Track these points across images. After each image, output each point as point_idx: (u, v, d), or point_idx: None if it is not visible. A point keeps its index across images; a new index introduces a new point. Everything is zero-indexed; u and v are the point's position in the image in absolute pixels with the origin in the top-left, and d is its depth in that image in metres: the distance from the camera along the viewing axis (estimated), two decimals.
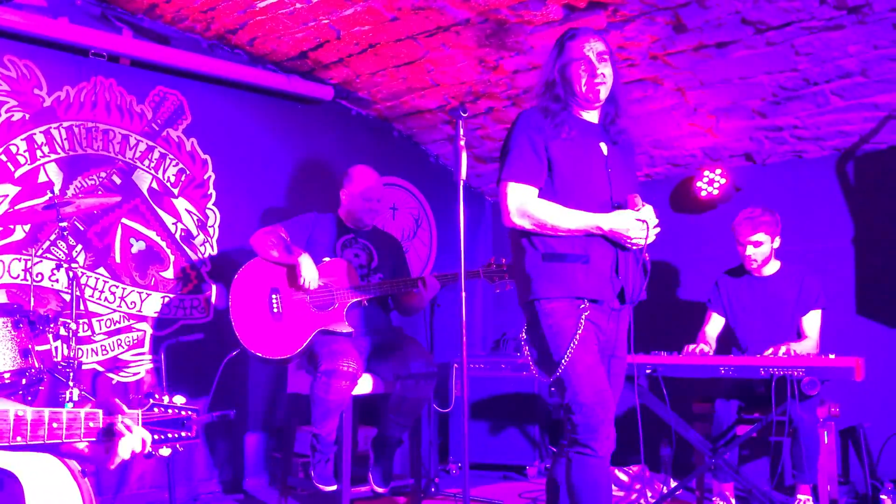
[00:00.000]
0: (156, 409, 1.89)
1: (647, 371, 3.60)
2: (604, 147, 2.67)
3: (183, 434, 1.93)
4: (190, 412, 1.95)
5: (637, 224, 2.54)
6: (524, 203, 2.57)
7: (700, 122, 4.44)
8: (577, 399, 2.47)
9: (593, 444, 2.47)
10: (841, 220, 4.38)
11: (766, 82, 3.99)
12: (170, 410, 1.91)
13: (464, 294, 2.65)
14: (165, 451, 1.91)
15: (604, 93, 2.64)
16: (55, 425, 1.70)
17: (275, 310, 3.73)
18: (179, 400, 1.94)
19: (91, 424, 1.75)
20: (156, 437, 1.88)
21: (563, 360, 2.48)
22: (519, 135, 2.62)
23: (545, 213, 2.55)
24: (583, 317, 2.50)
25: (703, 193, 4.68)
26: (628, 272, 2.60)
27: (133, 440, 1.75)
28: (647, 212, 2.58)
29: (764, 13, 3.49)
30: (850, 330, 4.25)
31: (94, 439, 1.76)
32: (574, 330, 2.49)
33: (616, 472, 4.32)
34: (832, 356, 3.35)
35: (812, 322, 3.88)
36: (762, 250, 3.87)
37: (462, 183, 2.76)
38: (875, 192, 4.29)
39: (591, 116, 2.70)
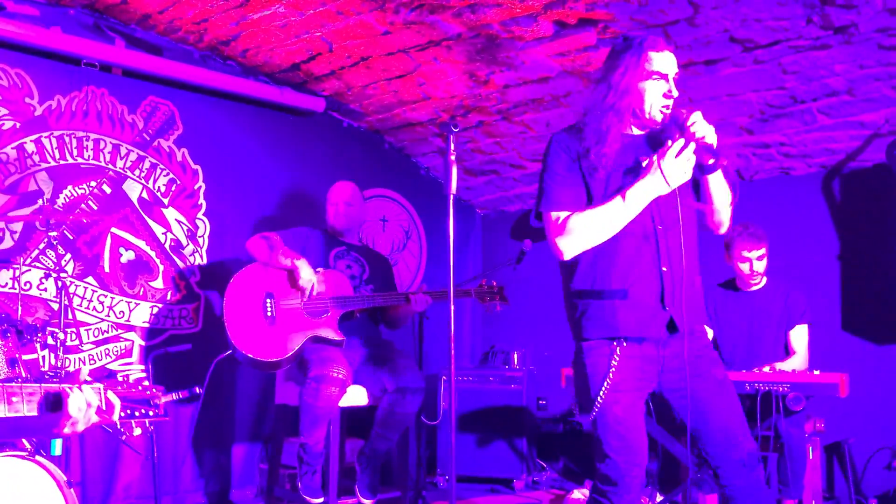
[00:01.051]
0: (119, 388, 1.89)
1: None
2: (646, 164, 2.42)
3: (151, 412, 1.93)
4: (154, 390, 1.96)
5: (681, 154, 2.27)
6: (567, 221, 2.36)
7: None
8: (603, 448, 2.38)
9: (612, 497, 2.38)
10: (827, 236, 4.42)
11: (753, 100, 4.03)
12: (134, 389, 1.92)
13: (452, 307, 2.66)
14: (137, 431, 1.91)
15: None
16: (15, 399, 1.71)
17: (269, 314, 3.74)
18: (144, 383, 1.96)
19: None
20: (124, 412, 1.89)
21: (595, 403, 2.36)
22: (554, 164, 2.43)
23: (589, 220, 2.34)
24: (615, 358, 2.36)
25: None
26: (676, 299, 2.38)
27: (79, 398, 1.75)
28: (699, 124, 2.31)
29: (752, 32, 3.53)
30: (835, 346, 4.28)
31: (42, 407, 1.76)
32: (607, 372, 2.36)
33: None
34: (817, 372, 3.38)
35: (799, 337, 3.91)
36: (764, 263, 3.87)
37: (452, 197, 2.77)
38: (860, 209, 4.34)
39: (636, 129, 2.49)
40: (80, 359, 3.94)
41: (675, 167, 2.29)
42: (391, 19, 3.83)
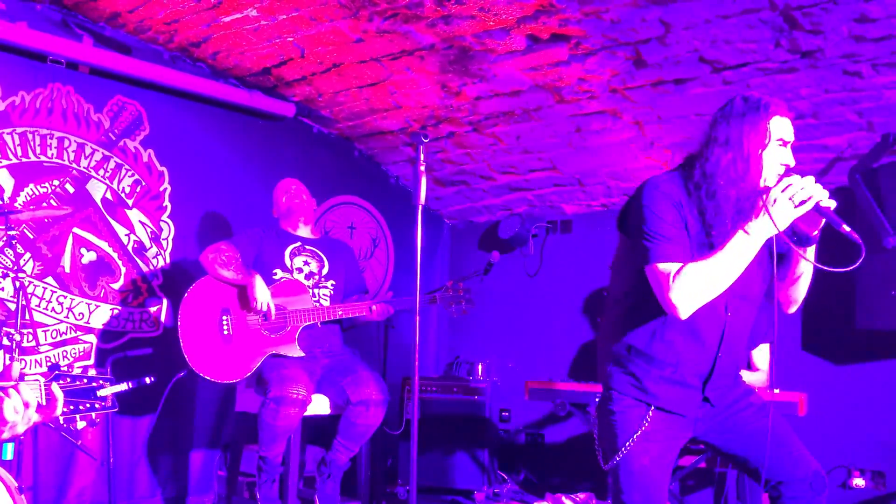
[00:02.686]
0: (61, 381, 1.83)
1: (596, 400, 3.62)
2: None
3: (97, 405, 1.87)
4: (101, 381, 1.89)
5: (786, 191, 2.12)
6: (679, 275, 2.17)
7: (656, 156, 4.52)
8: (622, 498, 2.29)
9: None
10: None
11: None
12: (77, 382, 1.85)
13: (418, 318, 2.64)
14: (81, 424, 1.84)
15: None
16: None
17: (225, 332, 3.67)
18: (91, 372, 1.89)
19: None
20: (68, 408, 1.82)
21: (621, 451, 2.28)
22: (659, 212, 2.25)
23: (705, 270, 2.16)
24: (648, 415, 2.28)
25: None
26: (719, 385, 2.33)
27: (15, 400, 1.68)
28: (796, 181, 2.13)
29: (721, 53, 3.58)
30: (794, 365, 4.33)
31: None
32: (639, 424, 2.28)
33: (563, 498, 4.34)
34: (777, 391, 3.42)
35: (762, 356, 3.96)
36: None
37: (421, 207, 2.76)
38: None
39: None
40: (36, 360, 3.86)
41: (782, 205, 2.13)
42: (364, 27, 3.82)
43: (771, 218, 2.14)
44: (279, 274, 3.85)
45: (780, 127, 2.26)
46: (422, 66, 4.12)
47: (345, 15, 3.73)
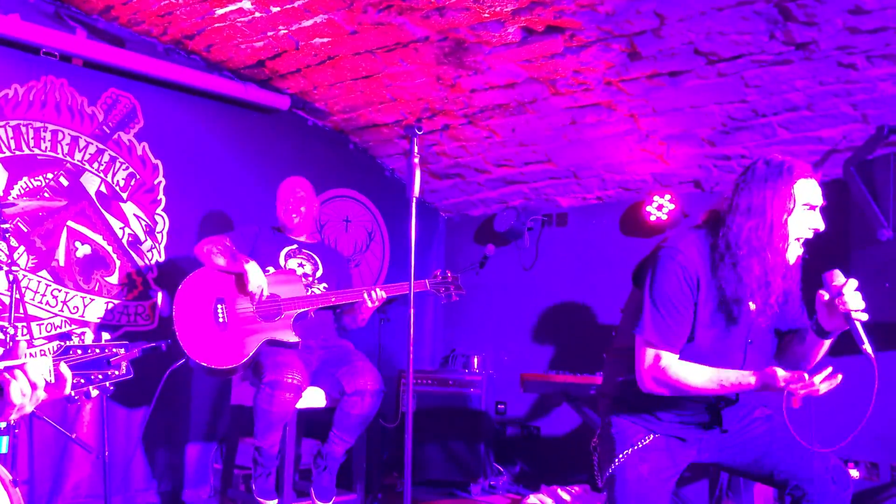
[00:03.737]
0: (71, 353, 1.80)
1: (592, 392, 3.64)
2: (752, 305, 2.28)
3: (110, 373, 1.83)
4: (114, 349, 1.86)
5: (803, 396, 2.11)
6: (665, 368, 2.19)
7: (651, 149, 4.52)
8: None
9: None
10: None
11: (716, 112, 4.08)
12: (90, 351, 1.82)
13: (412, 311, 2.65)
14: (94, 392, 1.82)
15: None
16: None
17: (220, 319, 3.68)
18: (105, 336, 1.88)
19: None
20: (80, 381, 1.79)
21: (617, 458, 2.27)
22: (668, 290, 2.20)
23: (688, 377, 2.17)
24: (648, 437, 2.29)
25: (653, 218, 4.76)
26: (732, 421, 2.35)
27: (22, 383, 1.65)
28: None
29: (716, 45, 3.58)
30: None
31: None
32: (638, 440, 2.28)
33: (559, 491, 4.35)
34: None
35: None
36: None
37: (415, 200, 2.76)
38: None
39: None
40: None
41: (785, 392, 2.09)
42: (359, 19, 3.81)
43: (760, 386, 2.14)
44: (271, 271, 3.85)
45: (806, 190, 2.21)
46: (416, 58, 4.11)
47: (339, 7, 3.72)
